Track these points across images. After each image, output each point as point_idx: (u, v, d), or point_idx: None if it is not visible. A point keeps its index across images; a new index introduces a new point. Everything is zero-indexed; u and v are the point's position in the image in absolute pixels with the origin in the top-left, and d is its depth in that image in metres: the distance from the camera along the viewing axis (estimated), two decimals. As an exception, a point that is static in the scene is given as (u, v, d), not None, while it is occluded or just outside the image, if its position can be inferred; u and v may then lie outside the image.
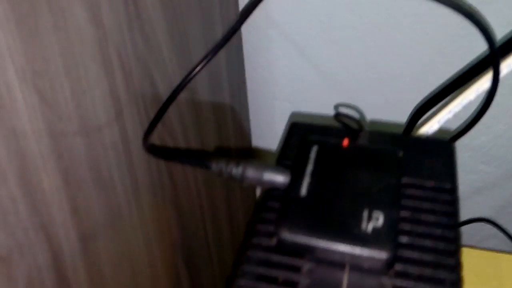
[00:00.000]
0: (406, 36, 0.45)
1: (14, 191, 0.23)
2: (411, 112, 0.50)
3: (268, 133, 0.59)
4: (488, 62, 0.36)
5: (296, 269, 0.22)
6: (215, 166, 0.25)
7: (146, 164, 0.33)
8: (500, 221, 0.57)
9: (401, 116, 0.51)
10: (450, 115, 0.37)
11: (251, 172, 0.24)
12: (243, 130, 0.54)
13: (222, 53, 0.44)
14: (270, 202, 0.24)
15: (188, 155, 0.29)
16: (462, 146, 0.52)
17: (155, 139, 0.34)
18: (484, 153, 0.53)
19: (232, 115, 0.49)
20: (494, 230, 0.58)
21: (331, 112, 0.56)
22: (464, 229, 0.59)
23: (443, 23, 0.44)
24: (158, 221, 0.37)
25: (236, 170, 0.24)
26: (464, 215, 0.59)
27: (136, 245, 0.34)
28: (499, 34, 0.42)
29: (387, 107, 0.52)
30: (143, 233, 0.35)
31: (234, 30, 0.34)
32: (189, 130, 0.39)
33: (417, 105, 0.49)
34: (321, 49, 0.50)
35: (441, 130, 0.39)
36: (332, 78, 0.52)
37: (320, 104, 0.54)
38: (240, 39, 0.49)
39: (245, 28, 0.50)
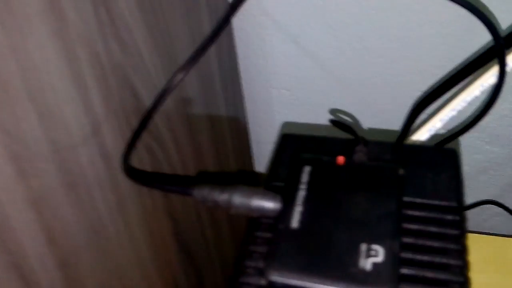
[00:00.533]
0: (405, 18, 0.43)
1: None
2: (410, 108, 0.47)
3: (267, 123, 0.57)
4: (493, 54, 0.33)
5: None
6: (198, 193, 0.23)
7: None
8: (505, 201, 0.57)
9: (401, 104, 0.49)
10: (453, 113, 0.35)
11: (238, 199, 0.22)
12: (240, 125, 0.52)
13: (212, 54, 0.41)
14: (259, 233, 0.22)
15: (168, 180, 0.27)
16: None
17: (141, 150, 0.32)
18: (489, 133, 0.52)
19: (227, 111, 0.47)
20: (499, 209, 0.57)
21: (328, 102, 0.54)
22: (470, 209, 0.59)
23: (444, 13, 0.41)
24: (151, 233, 0.35)
25: (221, 197, 0.22)
26: (469, 195, 0.58)
27: (127, 262, 0.33)
28: (504, 23, 0.39)
29: (386, 92, 0.49)
30: (133, 248, 0.33)
31: (223, 23, 0.31)
32: (179, 134, 0.37)
33: (417, 99, 0.47)
34: (316, 34, 0.47)
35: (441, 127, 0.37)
36: (328, 64, 0.49)
37: (318, 90, 0.52)
38: (230, 26, 0.46)
39: (236, 15, 0.47)
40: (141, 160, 0.32)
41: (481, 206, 0.59)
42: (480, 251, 0.49)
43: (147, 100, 0.31)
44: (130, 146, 0.26)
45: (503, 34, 0.35)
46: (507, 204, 0.56)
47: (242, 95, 0.52)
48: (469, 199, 0.59)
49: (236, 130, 0.50)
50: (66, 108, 0.25)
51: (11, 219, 0.22)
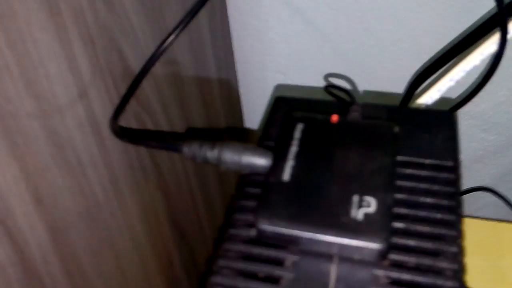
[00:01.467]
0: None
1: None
2: (410, 80, 0.47)
3: (260, 108, 0.57)
4: (495, 22, 0.33)
5: (278, 263, 0.19)
6: (187, 149, 0.22)
7: (122, 147, 0.30)
8: (500, 189, 0.56)
9: (400, 84, 0.49)
10: (452, 83, 0.34)
11: (228, 155, 0.21)
12: (233, 104, 0.51)
13: (204, 20, 0.40)
14: (249, 188, 0.21)
15: (158, 137, 0.26)
16: (462, 114, 0.50)
17: (131, 119, 0.31)
18: (484, 121, 0.51)
19: (220, 88, 0.46)
20: (494, 198, 0.57)
21: (323, 83, 0.53)
22: (464, 197, 0.58)
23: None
24: (142, 206, 0.34)
25: (211, 153, 0.22)
26: (464, 183, 0.58)
27: (118, 232, 0.32)
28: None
29: (385, 74, 0.49)
30: (125, 219, 0.32)
31: None
32: (170, 107, 0.36)
33: (416, 71, 0.46)
34: (314, 15, 0.46)
35: (441, 99, 0.37)
36: (327, 46, 0.48)
37: (315, 75, 0.51)
38: (224, 4, 0.45)
39: None
40: (129, 127, 0.32)
41: (475, 194, 0.58)
42: (473, 235, 0.49)
43: (135, 65, 0.30)
44: (119, 108, 0.25)
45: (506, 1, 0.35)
46: (501, 193, 0.56)
47: (236, 74, 0.51)
48: (463, 186, 0.58)
49: (227, 96, 0.49)
50: (50, 64, 0.24)
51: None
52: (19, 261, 0.24)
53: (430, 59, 0.45)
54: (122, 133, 0.24)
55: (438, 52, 0.44)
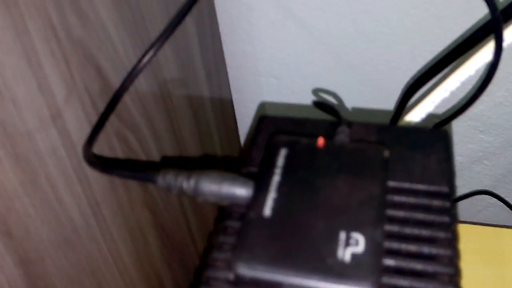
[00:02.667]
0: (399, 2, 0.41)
1: None
2: (403, 89, 0.45)
3: (254, 114, 0.55)
4: (489, 30, 0.31)
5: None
6: (162, 180, 0.20)
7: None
8: (499, 191, 0.55)
9: (394, 90, 0.47)
10: (446, 94, 0.32)
11: (205, 186, 0.20)
12: (225, 112, 0.49)
13: (191, 26, 0.38)
14: (229, 222, 0.20)
15: (131, 167, 0.24)
16: (461, 116, 0.49)
17: (112, 137, 0.29)
18: (483, 122, 0.50)
19: (211, 96, 0.44)
20: (493, 200, 0.56)
21: (317, 87, 0.51)
22: (464, 201, 0.57)
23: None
24: (127, 227, 0.32)
25: (187, 184, 0.20)
26: (463, 185, 0.57)
27: (101, 258, 0.30)
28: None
29: (379, 78, 0.47)
30: (107, 243, 0.31)
31: None
32: (156, 121, 0.34)
33: (409, 81, 0.45)
34: (307, 18, 0.45)
35: (434, 109, 0.35)
36: (320, 50, 0.47)
37: (309, 80, 0.50)
38: (213, 8, 0.43)
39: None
40: (113, 149, 0.30)
41: (475, 196, 0.57)
42: (472, 241, 0.48)
43: (116, 81, 0.29)
44: (94, 131, 0.23)
45: (500, 7, 0.33)
46: (501, 195, 0.55)
47: (228, 82, 0.49)
48: (462, 189, 0.57)
49: (221, 114, 0.47)
50: (15, 87, 0.22)
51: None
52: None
53: (422, 68, 0.44)
54: (93, 162, 0.22)
55: (432, 60, 0.43)
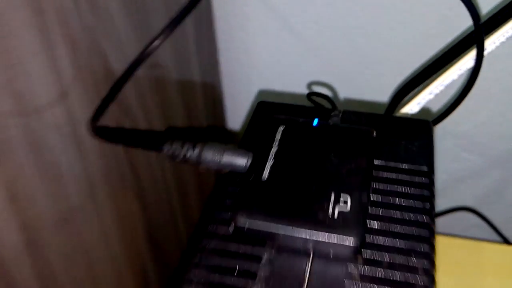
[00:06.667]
0: (388, 13, 0.44)
1: None
2: (392, 94, 0.49)
3: (246, 121, 0.58)
4: (473, 39, 0.35)
5: (255, 259, 0.20)
6: (168, 148, 0.23)
7: (101, 151, 0.31)
8: (482, 210, 0.58)
9: (384, 98, 0.50)
10: (431, 96, 0.36)
11: (208, 155, 0.23)
12: (217, 112, 0.52)
13: (189, 29, 0.42)
14: (229, 187, 0.23)
15: (138, 136, 0.27)
16: (445, 134, 0.52)
17: (111, 123, 0.32)
18: (467, 141, 0.53)
19: (204, 97, 0.47)
20: (477, 219, 0.58)
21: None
22: (446, 218, 0.60)
23: (427, 2, 0.43)
24: (119, 215, 0.35)
25: (191, 153, 0.23)
26: (446, 203, 0.59)
27: (93, 239, 0.32)
28: (485, 9, 0.42)
29: (369, 88, 0.51)
30: (100, 226, 0.33)
31: None
32: (152, 113, 0.37)
33: (397, 86, 0.48)
34: (302, 28, 0.48)
35: (423, 113, 0.39)
36: (315, 61, 0.50)
37: (301, 89, 0.53)
38: (210, 14, 0.47)
39: (218, 3, 0.48)
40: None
41: (458, 215, 0.60)
42: (454, 254, 0.50)
43: (117, 68, 0.32)
44: (99, 109, 0.26)
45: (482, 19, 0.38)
46: (484, 213, 0.57)
47: (221, 87, 0.52)
48: (445, 206, 0.60)
49: (213, 118, 0.50)
50: (30, 62, 0.25)
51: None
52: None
53: (412, 74, 0.47)
54: (100, 131, 0.25)
55: (419, 68, 0.46)
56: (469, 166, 0.55)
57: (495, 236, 0.59)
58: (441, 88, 0.36)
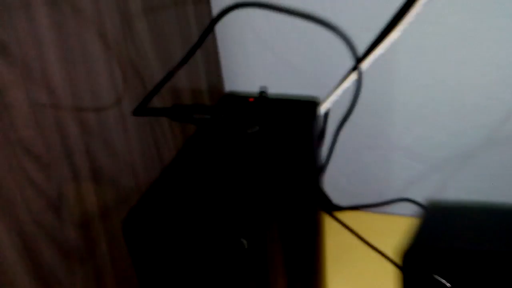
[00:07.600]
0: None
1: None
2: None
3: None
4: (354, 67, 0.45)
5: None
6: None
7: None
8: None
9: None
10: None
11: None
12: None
13: (199, 59, 0.59)
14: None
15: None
16: (392, 147, 0.62)
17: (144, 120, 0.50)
18: (410, 151, 0.62)
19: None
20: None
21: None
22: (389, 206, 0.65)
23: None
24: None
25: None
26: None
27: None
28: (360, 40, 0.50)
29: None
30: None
31: (207, 31, 0.47)
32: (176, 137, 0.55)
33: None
34: (298, 53, 0.57)
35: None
36: (313, 84, 0.58)
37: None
38: (216, 49, 0.64)
39: (219, 30, 0.59)
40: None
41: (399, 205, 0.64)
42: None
43: (149, 85, 0.50)
44: (147, 97, 0.45)
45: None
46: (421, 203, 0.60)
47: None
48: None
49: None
50: (100, 76, 0.43)
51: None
52: None
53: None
54: (137, 112, 0.43)
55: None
56: (413, 173, 0.63)
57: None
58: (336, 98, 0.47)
